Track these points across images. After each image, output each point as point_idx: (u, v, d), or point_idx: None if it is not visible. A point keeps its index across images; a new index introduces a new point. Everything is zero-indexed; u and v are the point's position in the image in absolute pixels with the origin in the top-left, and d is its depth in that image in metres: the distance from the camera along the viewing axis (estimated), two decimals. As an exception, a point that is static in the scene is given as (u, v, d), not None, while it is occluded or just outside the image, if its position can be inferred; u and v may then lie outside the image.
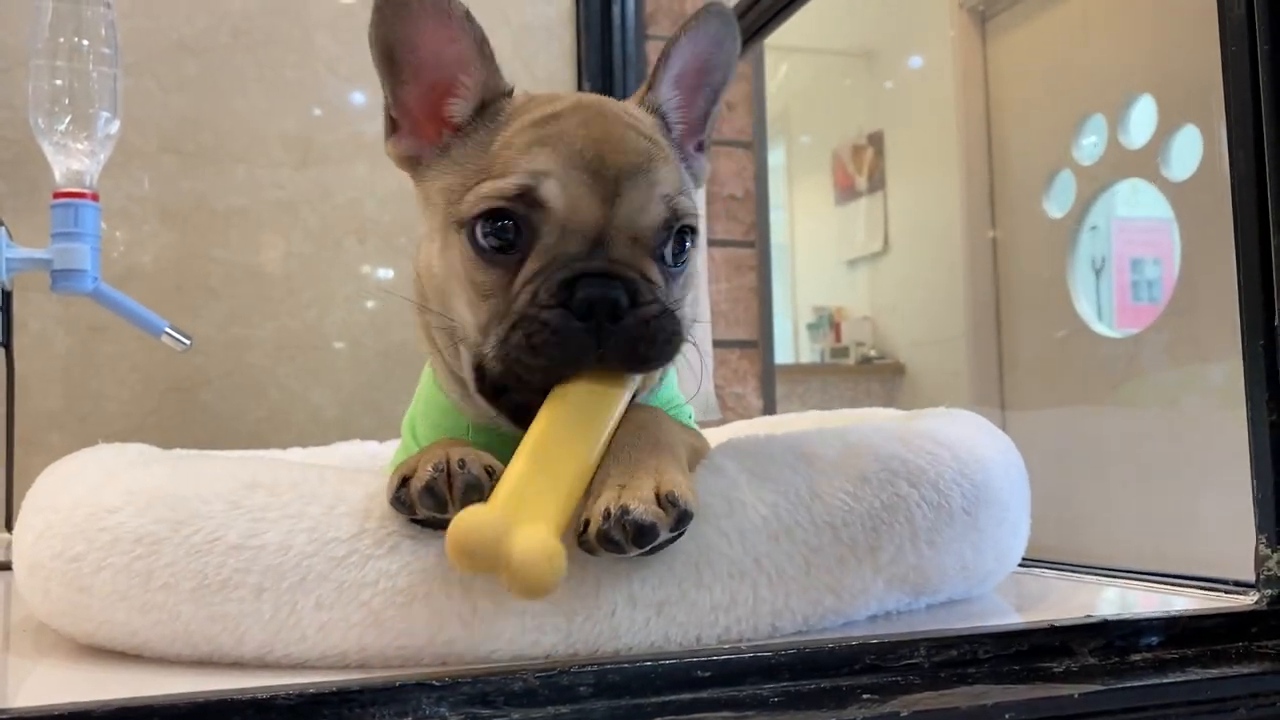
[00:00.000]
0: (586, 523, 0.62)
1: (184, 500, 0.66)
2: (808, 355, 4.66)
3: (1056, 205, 3.06)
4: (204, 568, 0.64)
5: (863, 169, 4.40)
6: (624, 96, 1.94)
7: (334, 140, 1.83)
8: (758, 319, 2.05)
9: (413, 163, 0.82)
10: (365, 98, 1.86)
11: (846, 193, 4.50)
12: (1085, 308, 2.95)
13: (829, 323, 4.50)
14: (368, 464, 1.31)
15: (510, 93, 0.80)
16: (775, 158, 4.94)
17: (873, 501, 0.72)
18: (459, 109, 0.79)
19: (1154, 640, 0.63)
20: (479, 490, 0.62)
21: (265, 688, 0.51)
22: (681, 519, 0.63)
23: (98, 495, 0.69)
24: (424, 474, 0.63)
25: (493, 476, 0.63)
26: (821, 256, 4.72)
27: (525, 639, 0.62)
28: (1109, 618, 0.63)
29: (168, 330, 1.48)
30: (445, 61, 0.78)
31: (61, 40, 1.41)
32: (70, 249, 1.40)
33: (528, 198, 0.70)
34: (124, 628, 0.66)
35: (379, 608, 0.62)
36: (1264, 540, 0.67)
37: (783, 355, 4.71)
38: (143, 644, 0.66)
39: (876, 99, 4.33)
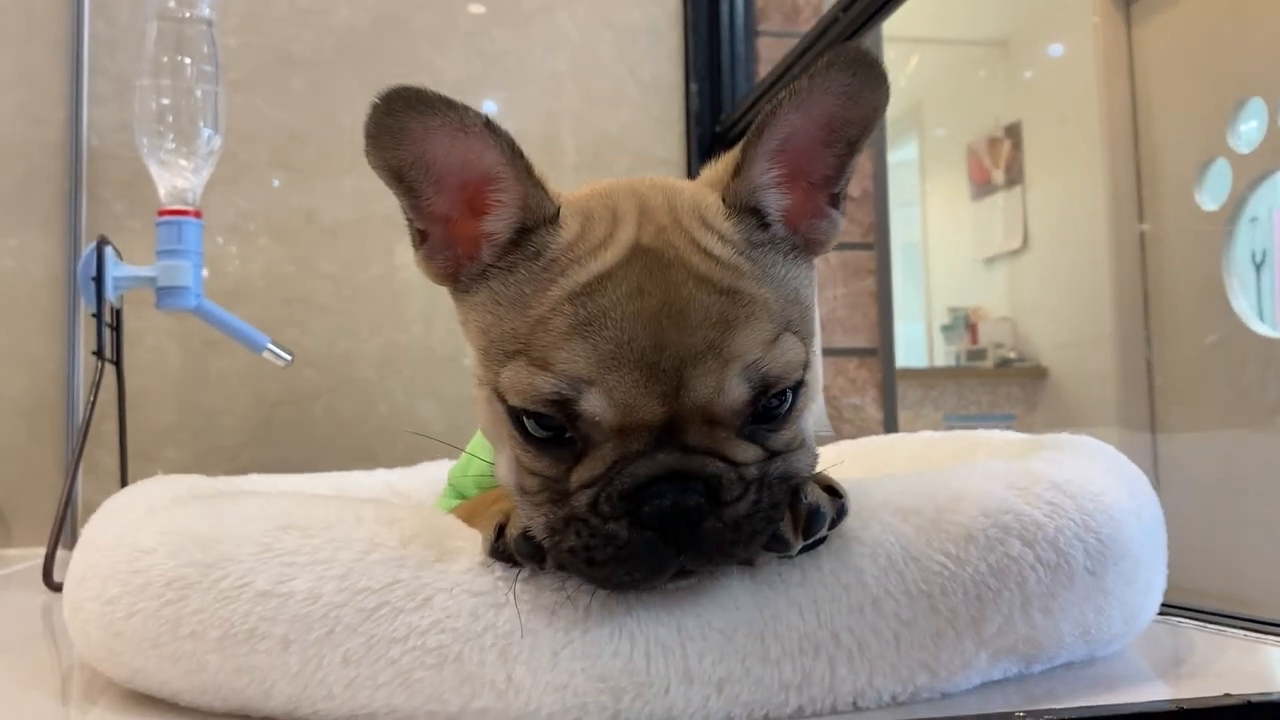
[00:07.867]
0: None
1: (216, 542, 0.62)
2: (942, 358, 4.48)
3: (1210, 197, 2.86)
4: (231, 615, 0.60)
5: (999, 162, 4.20)
6: (733, 96, 1.86)
7: (438, 151, 1.81)
8: (877, 325, 1.94)
9: (451, 278, 0.68)
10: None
11: (982, 187, 4.31)
12: (1243, 305, 2.74)
13: (964, 324, 4.31)
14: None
15: (556, 215, 0.64)
16: (907, 153, 4.78)
17: (978, 565, 0.62)
18: (495, 225, 0.64)
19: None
20: None
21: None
22: (841, 512, 0.62)
23: (135, 535, 0.65)
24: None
25: None
26: (956, 255, 4.53)
27: (567, 716, 0.56)
28: (1252, 698, 0.53)
29: (269, 347, 1.48)
30: (471, 176, 0.64)
31: (165, 60, 1.42)
32: (173, 266, 1.41)
33: (568, 409, 0.59)
34: (156, 676, 0.63)
35: (408, 667, 0.57)
36: None
37: (915, 358, 4.55)
38: (175, 694, 0.63)
39: (1013, 89, 4.13)
